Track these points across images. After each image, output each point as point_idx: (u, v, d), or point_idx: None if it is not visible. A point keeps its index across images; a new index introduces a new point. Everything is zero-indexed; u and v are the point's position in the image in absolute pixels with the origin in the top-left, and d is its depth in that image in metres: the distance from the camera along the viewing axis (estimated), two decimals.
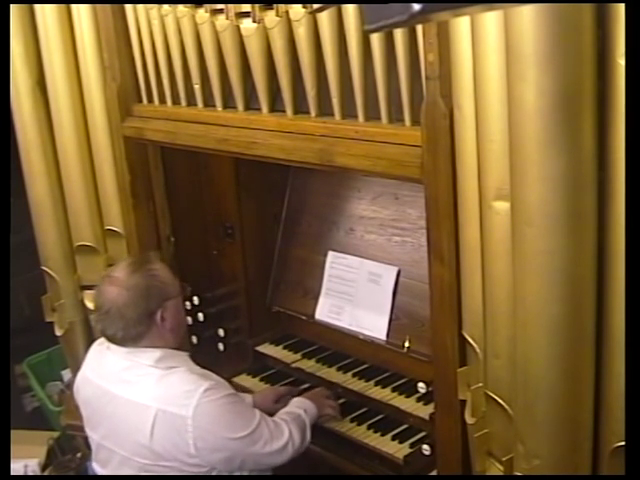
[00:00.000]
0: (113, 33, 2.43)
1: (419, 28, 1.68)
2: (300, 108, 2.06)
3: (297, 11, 1.90)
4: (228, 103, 2.25)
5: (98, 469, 2.15)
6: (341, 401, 2.43)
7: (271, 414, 2.23)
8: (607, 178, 1.38)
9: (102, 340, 2.14)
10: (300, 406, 2.20)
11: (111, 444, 2.05)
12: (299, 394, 2.51)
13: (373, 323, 2.47)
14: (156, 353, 2.01)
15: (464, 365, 1.82)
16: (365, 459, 2.25)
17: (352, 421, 2.36)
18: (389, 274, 2.44)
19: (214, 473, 1.98)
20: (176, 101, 2.40)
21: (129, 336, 2.00)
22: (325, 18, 1.85)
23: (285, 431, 2.04)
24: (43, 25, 2.51)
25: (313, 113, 2.01)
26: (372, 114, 1.89)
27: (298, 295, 2.74)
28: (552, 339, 1.44)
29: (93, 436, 2.12)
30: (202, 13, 2.12)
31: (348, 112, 1.95)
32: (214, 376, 2.07)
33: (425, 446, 2.15)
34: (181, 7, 2.18)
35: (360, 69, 1.85)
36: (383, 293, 2.45)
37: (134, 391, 1.98)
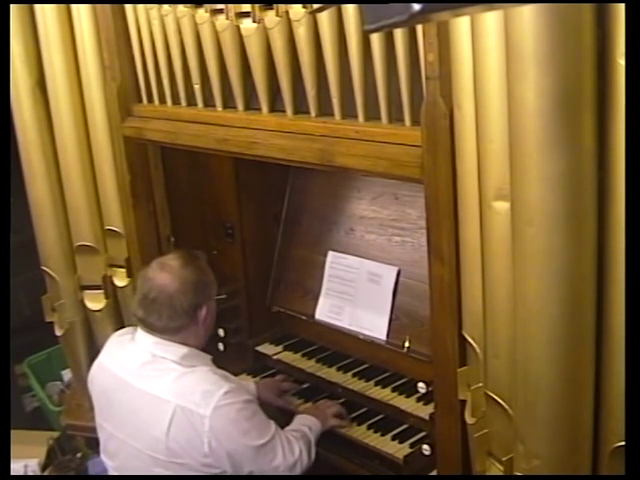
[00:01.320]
0: (113, 33, 2.43)
1: (419, 28, 1.68)
2: (300, 108, 2.06)
3: (297, 11, 1.90)
4: (228, 103, 2.25)
5: (106, 461, 2.14)
6: (341, 401, 2.42)
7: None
8: (607, 178, 1.38)
9: (124, 331, 2.16)
10: (305, 423, 2.18)
11: (124, 435, 2.04)
12: (299, 393, 2.52)
13: (373, 323, 2.47)
14: (183, 349, 2.01)
15: (464, 365, 1.82)
16: (365, 459, 2.25)
17: (352, 421, 2.35)
18: (389, 274, 2.44)
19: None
20: (176, 101, 2.40)
21: (171, 326, 2.00)
22: (325, 18, 1.85)
23: (296, 449, 2.04)
24: (43, 25, 2.51)
25: (313, 113, 2.01)
26: (372, 114, 1.89)
27: (298, 295, 2.73)
28: (552, 339, 1.44)
29: (105, 425, 2.11)
30: (202, 13, 2.12)
31: (348, 112, 1.95)
32: (235, 379, 2.07)
33: (425, 446, 2.15)
34: (181, 7, 2.18)
35: (360, 69, 1.85)
36: (383, 293, 2.44)
37: (154, 385, 1.97)
